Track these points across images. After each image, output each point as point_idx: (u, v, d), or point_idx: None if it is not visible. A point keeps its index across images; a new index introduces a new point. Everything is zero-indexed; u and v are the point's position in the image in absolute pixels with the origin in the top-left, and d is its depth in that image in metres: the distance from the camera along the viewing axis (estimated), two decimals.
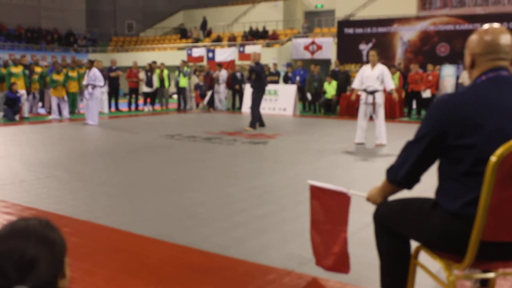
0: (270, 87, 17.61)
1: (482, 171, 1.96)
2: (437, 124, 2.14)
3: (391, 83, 9.45)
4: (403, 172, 2.26)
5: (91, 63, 14.14)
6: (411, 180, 2.28)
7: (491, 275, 2.32)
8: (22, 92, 14.96)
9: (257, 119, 12.44)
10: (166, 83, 18.76)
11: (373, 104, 9.46)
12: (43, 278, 1.22)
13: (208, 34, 29.85)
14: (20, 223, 1.28)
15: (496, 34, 2.18)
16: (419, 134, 2.22)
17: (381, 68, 9.39)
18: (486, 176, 1.93)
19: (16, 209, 4.87)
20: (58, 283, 1.28)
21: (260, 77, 12.45)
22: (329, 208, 2.95)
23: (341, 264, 2.98)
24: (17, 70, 15.05)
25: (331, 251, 3.00)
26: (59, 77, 15.13)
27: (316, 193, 3.05)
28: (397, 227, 2.36)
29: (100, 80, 13.70)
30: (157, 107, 19.12)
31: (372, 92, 9.44)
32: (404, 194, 2.39)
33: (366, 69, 9.56)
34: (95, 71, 13.74)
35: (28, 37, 29.09)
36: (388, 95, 10.36)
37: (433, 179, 2.40)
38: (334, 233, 2.94)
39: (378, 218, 2.46)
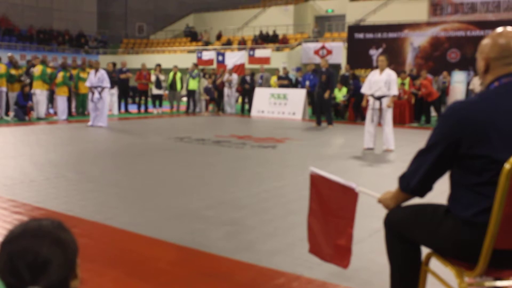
0: (279, 91, 17.73)
1: (496, 180, 1.93)
2: (450, 132, 2.10)
3: (395, 89, 9.41)
4: (415, 180, 2.23)
5: (98, 64, 14.16)
6: (423, 189, 2.25)
7: (503, 283, 2.30)
8: (39, 92, 15.03)
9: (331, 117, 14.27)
10: (178, 86, 18.79)
11: (380, 109, 9.43)
12: (55, 279, 1.22)
13: (195, 38, 30.39)
14: (33, 224, 1.28)
15: (510, 37, 2.13)
16: (431, 142, 2.18)
17: (388, 73, 9.37)
18: (499, 184, 1.91)
19: (26, 209, 4.89)
20: (69, 284, 1.28)
21: (330, 80, 14.15)
22: (332, 199, 2.83)
23: (341, 257, 2.92)
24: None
25: (335, 243, 2.93)
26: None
27: (318, 182, 2.92)
28: (409, 233, 2.34)
29: (107, 81, 13.69)
30: (166, 109, 19.15)
31: (379, 98, 9.41)
32: (414, 200, 2.37)
33: (374, 74, 9.58)
34: (102, 73, 13.71)
35: (40, 38, 29.28)
36: (398, 100, 10.33)
37: (443, 185, 2.38)
38: (339, 225, 2.86)
39: (389, 223, 2.43)
